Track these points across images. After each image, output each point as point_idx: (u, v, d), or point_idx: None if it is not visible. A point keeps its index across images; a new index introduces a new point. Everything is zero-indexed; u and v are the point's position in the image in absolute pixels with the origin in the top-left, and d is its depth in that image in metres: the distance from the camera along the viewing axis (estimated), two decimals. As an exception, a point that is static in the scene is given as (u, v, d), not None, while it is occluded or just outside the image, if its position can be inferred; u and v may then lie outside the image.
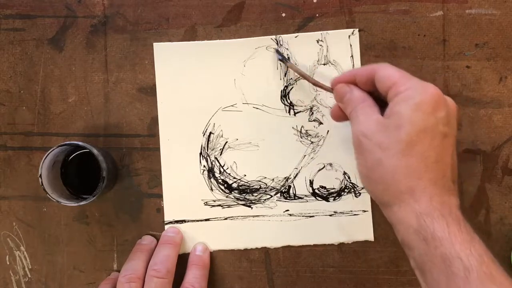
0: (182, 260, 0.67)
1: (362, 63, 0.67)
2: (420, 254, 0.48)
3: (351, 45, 0.67)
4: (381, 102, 0.54)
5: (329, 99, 0.68)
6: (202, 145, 0.68)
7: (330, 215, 0.68)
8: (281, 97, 0.68)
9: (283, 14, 0.68)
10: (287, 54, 0.68)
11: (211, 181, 0.68)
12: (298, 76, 0.67)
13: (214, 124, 0.68)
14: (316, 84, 0.64)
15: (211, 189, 0.68)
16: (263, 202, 0.68)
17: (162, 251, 0.65)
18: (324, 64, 0.68)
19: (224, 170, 0.68)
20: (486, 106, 0.67)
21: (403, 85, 0.51)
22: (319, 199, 0.68)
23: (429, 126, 0.49)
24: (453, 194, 0.51)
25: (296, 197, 0.68)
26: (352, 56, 0.67)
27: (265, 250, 0.68)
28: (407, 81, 0.51)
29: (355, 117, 0.54)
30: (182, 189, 0.68)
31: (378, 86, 0.53)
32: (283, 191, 0.68)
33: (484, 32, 0.68)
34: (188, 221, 0.68)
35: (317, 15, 0.68)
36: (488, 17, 0.67)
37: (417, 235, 0.48)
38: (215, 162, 0.68)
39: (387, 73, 0.53)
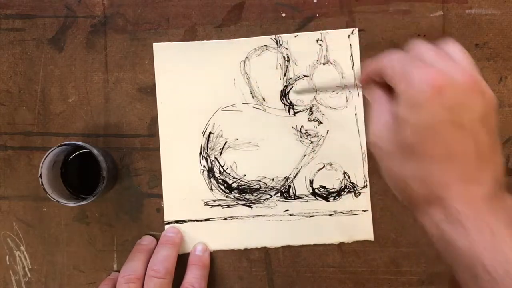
0: (182, 260, 0.67)
1: (362, 63, 0.67)
2: (449, 263, 0.45)
3: (350, 45, 0.67)
4: None
5: (328, 99, 0.68)
6: (202, 145, 0.68)
7: (330, 215, 0.68)
8: (280, 97, 0.68)
9: (283, 14, 0.68)
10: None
11: (211, 181, 0.68)
12: (298, 76, 0.68)
13: (214, 124, 0.68)
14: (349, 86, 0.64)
15: (211, 189, 0.68)
16: (263, 202, 0.68)
17: (161, 251, 0.65)
18: (323, 64, 0.68)
19: (224, 170, 0.68)
20: (486, 106, 0.67)
21: (399, 80, 0.46)
22: (319, 198, 0.68)
23: (428, 122, 0.44)
24: (477, 184, 0.44)
25: (296, 197, 0.68)
26: (351, 55, 0.67)
27: (265, 250, 0.68)
28: (405, 73, 0.45)
29: (369, 120, 0.51)
30: (182, 189, 0.68)
31: (389, 83, 0.49)
32: (283, 191, 0.68)
33: (484, 32, 0.68)
34: (188, 221, 0.68)
35: (317, 15, 0.68)
36: (488, 17, 0.67)
37: (440, 245, 0.45)
38: (215, 162, 0.68)
39: (386, 69, 0.48)
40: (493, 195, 0.44)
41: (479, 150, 0.44)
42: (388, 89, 0.49)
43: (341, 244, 0.68)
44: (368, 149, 0.67)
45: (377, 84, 0.51)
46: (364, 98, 0.67)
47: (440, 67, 0.45)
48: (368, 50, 0.68)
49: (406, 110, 0.45)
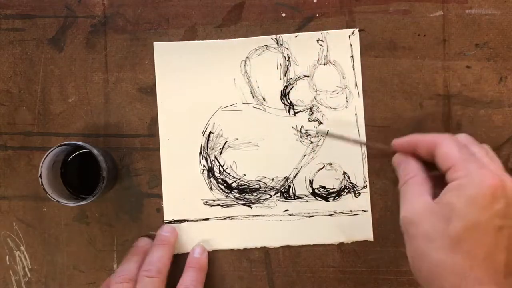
0: (182, 260, 0.68)
1: (362, 63, 0.67)
2: None
3: (351, 45, 0.67)
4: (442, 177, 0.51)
5: (329, 99, 0.68)
6: (202, 145, 0.68)
7: (330, 215, 0.68)
8: (281, 97, 0.68)
9: (283, 14, 0.68)
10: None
11: (210, 181, 0.68)
12: (298, 76, 0.68)
13: (214, 123, 0.68)
14: (372, 146, 0.64)
15: (211, 189, 0.68)
16: (262, 201, 0.68)
17: (155, 253, 0.65)
18: (324, 64, 0.68)
19: (224, 170, 0.68)
20: (486, 106, 0.67)
21: (460, 170, 0.48)
22: (319, 199, 0.68)
23: (481, 222, 0.46)
24: None
25: (295, 197, 0.68)
26: (352, 56, 0.67)
27: (265, 250, 0.68)
28: (465, 166, 0.48)
29: (403, 195, 0.52)
30: (182, 189, 0.68)
31: (437, 163, 0.51)
32: (283, 191, 0.68)
33: (484, 32, 0.67)
34: (187, 220, 0.68)
35: (317, 15, 0.68)
36: (488, 17, 0.67)
37: None
38: (214, 161, 0.68)
39: (446, 151, 0.50)
40: None
41: (508, 259, 0.47)
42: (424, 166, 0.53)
43: (341, 244, 0.68)
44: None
45: (415, 157, 0.54)
46: (365, 99, 0.67)
47: (495, 170, 0.49)
48: (368, 50, 0.68)
49: (462, 204, 0.47)
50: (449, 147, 0.50)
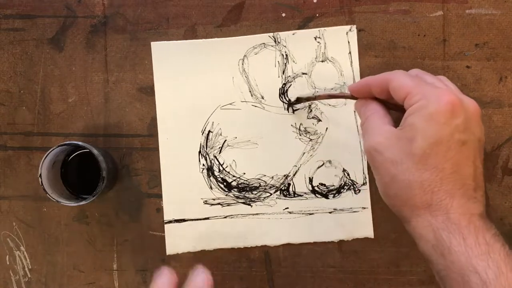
0: (180, 261, 0.68)
1: (362, 63, 0.67)
2: (440, 269, 0.48)
3: (349, 42, 0.67)
4: (403, 110, 0.52)
5: (328, 97, 0.68)
6: (201, 144, 0.68)
7: (330, 213, 0.68)
8: (279, 95, 0.68)
9: (283, 14, 0.68)
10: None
11: (210, 180, 0.68)
12: (297, 74, 0.68)
13: (213, 122, 0.68)
14: (338, 96, 0.63)
15: (211, 188, 0.68)
16: (262, 200, 0.68)
17: None
18: (322, 61, 0.68)
19: (223, 169, 0.68)
20: (486, 106, 0.67)
21: (417, 94, 0.50)
22: (319, 196, 0.68)
23: (444, 137, 0.48)
24: (474, 202, 0.49)
25: (295, 195, 0.68)
26: (350, 52, 0.67)
27: (265, 250, 0.68)
28: (421, 89, 0.50)
29: (365, 129, 0.54)
30: (182, 188, 0.68)
31: (394, 97, 0.52)
32: (283, 188, 0.68)
33: (484, 32, 0.68)
34: (187, 220, 0.68)
35: (317, 15, 0.68)
36: (488, 17, 0.67)
37: (435, 250, 0.48)
38: (214, 160, 0.68)
39: (400, 83, 0.51)
40: (483, 214, 0.50)
41: (475, 173, 0.50)
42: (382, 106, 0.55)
43: (341, 244, 0.68)
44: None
45: (373, 99, 0.56)
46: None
47: (450, 90, 0.51)
48: (368, 49, 0.68)
49: (423, 122, 0.48)
50: (401, 79, 0.52)
